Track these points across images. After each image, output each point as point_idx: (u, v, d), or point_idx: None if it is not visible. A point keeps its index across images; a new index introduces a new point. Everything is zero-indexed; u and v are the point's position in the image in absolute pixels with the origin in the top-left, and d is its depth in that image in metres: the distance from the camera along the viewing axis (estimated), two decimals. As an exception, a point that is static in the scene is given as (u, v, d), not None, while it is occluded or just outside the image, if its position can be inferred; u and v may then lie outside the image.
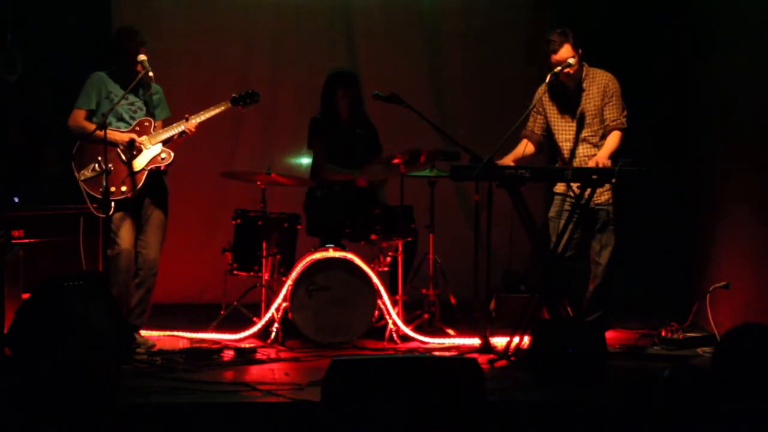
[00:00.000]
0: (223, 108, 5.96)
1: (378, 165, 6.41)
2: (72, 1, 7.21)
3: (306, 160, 7.37)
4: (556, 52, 5.77)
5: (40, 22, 7.07)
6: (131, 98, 5.82)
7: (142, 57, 5.71)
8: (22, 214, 6.24)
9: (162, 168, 5.84)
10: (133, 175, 5.75)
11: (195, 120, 5.85)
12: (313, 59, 7.42)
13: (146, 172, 5.78)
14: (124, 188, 5.73)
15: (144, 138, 5.78)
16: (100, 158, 5.65)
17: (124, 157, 5.74)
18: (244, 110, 6.17)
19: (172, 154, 5.84)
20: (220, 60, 7.46)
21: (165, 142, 5.84)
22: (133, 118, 5.83)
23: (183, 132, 5.84)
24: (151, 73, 5.71)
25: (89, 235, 6.21)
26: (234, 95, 6.03)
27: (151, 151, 5.80)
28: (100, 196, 5.62)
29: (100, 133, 5.55)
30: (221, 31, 7.50)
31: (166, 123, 5.98)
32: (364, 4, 7.61)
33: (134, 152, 5.75)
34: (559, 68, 5.77)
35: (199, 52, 7.44)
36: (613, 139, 5.84)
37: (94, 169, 5.71)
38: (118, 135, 5.73)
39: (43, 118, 6.92)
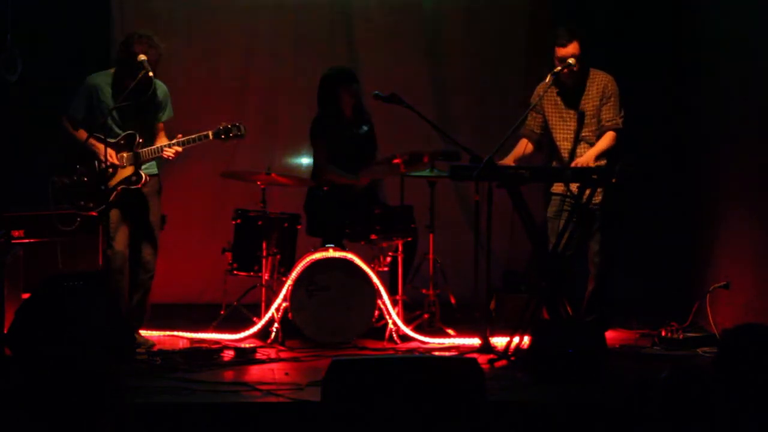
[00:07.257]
0: (203, 140, 5.84)
1: (378, 165, 6.40)
2: (72, 2, 7.20)
3: (306, 160, 7.38)
4: (564, 46, 5.77)
5: (40, 22, 7.06)
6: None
7: (141, 57, 5.67)
8: (22, 214, 6.24)
9: (132, 188, 5.79)
10: (103, 191, 5.71)
11: (176, 147, 5.76)
12: (313, 60, 7.41)
13: (116, 192, 5.76)
14: (91, 204, 5.74)
15: (123, 155, 5.75)
16: (78, 166, 5.70)
17: (98, 171, 5.73)
18: (225, 143, 6.01)
19: (145, 177, 5.78)
20: (220, 60, 7.45)
21: (146, 162, 5.80)
22: (124, 121, 5.79)
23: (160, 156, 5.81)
24: (150, 74, 5.65)
25: (88, 236, 6.20)
26: (219, 127, 5.88)
27: (125, 171, 5.77)
28: (71, 206, 5.73)
29: (92, 141, 5.58)
30: (221, 32, 7.48)
31: (167, 125, 5.96)
32: (364, 4, 7.60)
33: (110, 170, 5.73)
34: (558, 68, 5.77)
35: (199, 52, 7.43)
36: (606, 140, 5.84)
37: (71, 178, 5.73)
38: (101, 150, 5.66)
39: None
